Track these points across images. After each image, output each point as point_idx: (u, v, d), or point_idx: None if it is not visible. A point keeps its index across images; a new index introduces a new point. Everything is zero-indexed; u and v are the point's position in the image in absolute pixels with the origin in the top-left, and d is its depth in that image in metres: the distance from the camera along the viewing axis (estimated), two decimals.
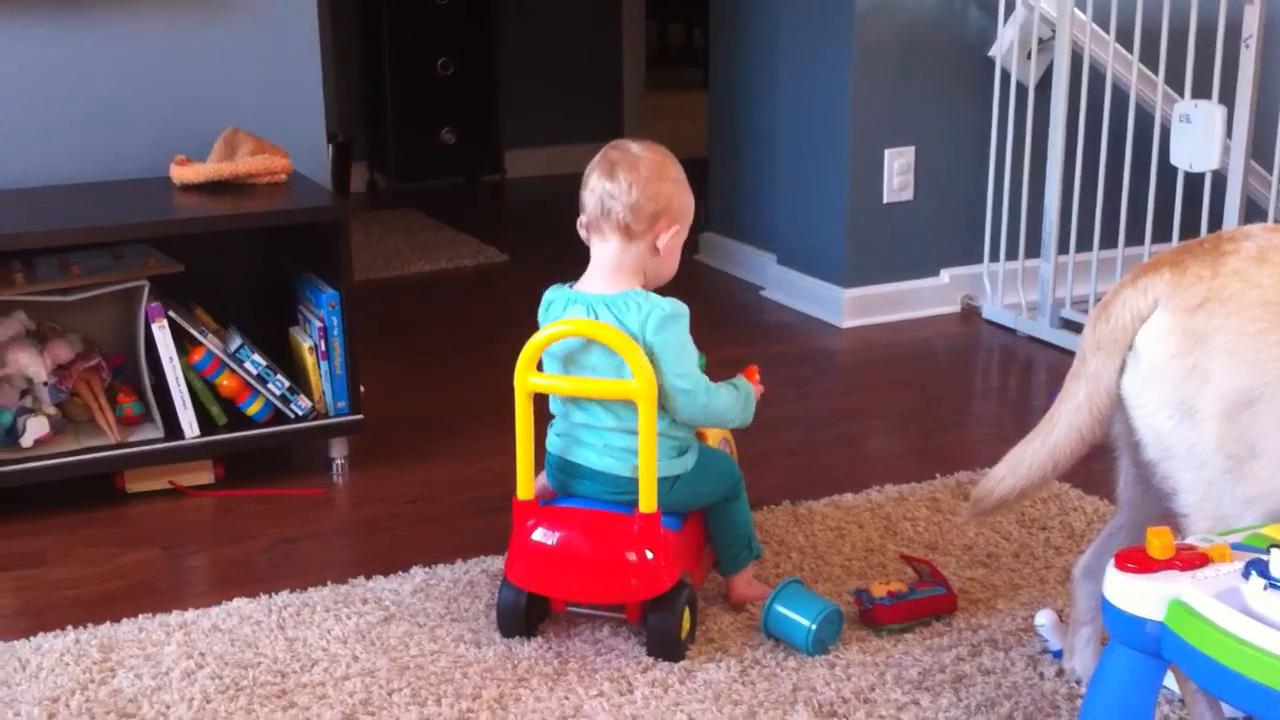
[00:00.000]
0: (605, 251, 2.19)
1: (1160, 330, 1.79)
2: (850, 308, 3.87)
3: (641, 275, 2.20)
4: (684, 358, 2.14)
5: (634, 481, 2.13)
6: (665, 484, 2.16)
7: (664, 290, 2.20)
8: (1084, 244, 3.70)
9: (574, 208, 2.22)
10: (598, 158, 2.20)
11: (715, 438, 2.38)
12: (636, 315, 2.12)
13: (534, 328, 2.18)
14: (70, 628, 2.27)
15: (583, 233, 2.22)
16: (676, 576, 2.15)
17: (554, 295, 2.22)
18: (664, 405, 2.15)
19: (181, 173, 2.90)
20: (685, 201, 2.21)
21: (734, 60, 4.31)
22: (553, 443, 2.25)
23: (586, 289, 2.19)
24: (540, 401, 2.20)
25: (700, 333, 2.20)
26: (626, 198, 2.15)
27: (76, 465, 2.69)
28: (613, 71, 6.13)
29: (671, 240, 2.19)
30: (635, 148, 2.21)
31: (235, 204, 2.81)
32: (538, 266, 4.34)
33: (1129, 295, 1.83)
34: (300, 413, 2.83)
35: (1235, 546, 1.63)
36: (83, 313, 2.84)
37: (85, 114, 2.97)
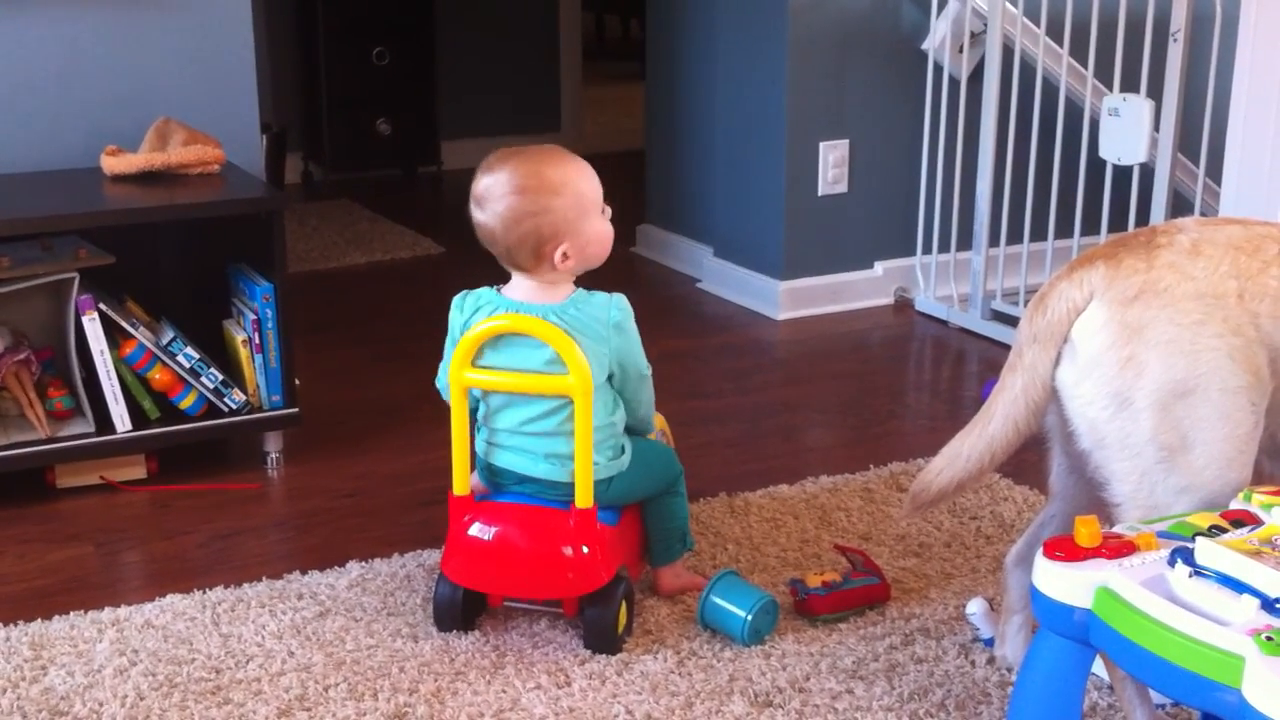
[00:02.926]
0: (520, 276, 2.16)
1: (1096, 322, 1.82)
2: (786, 300, 3.90)
3: (568, 282, 2.17)
4: (642, 351, 2.19)
5: (571, 486, 2.13)
6: (602, 484, 2.16)
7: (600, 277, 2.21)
8: (1015, 237, 3.74)
9: None
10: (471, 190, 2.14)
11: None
12: (596, 319, 2.13)
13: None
14: (0, 625, 2.24)
15: None
16: (613, 571, 2.16)
17: (484, 299, 2.17)
18: (629, 401, 2.20)
19: (112, 163, 2.86)
20: (559, 216, 2.08)
21: (671, 53, 4.31)
22: (480, 447, 2.24)
23: (524, 298, 2.15)
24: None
25: (638, 325, 2.20)
26: (497, 249, 2.13)
27: (6, 460, 2.65)
28: (550, 63, 6.11)
29: (571, 249, 2.10)
30: (486, 181, 2.11)
31: (168, 195, 2.78)
32: (474, 259, 4.31)
33: (1065, 288, 1.85)
34: (234, 406, 2.81)
35: (1161, 535, 1.66)
36: (12, 305, 2.80)
37: (14, 103, 2.92)
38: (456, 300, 2.20)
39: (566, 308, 2.13)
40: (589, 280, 2.20)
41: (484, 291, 2.19)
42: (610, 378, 2.18)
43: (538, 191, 2.09)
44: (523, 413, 2.16)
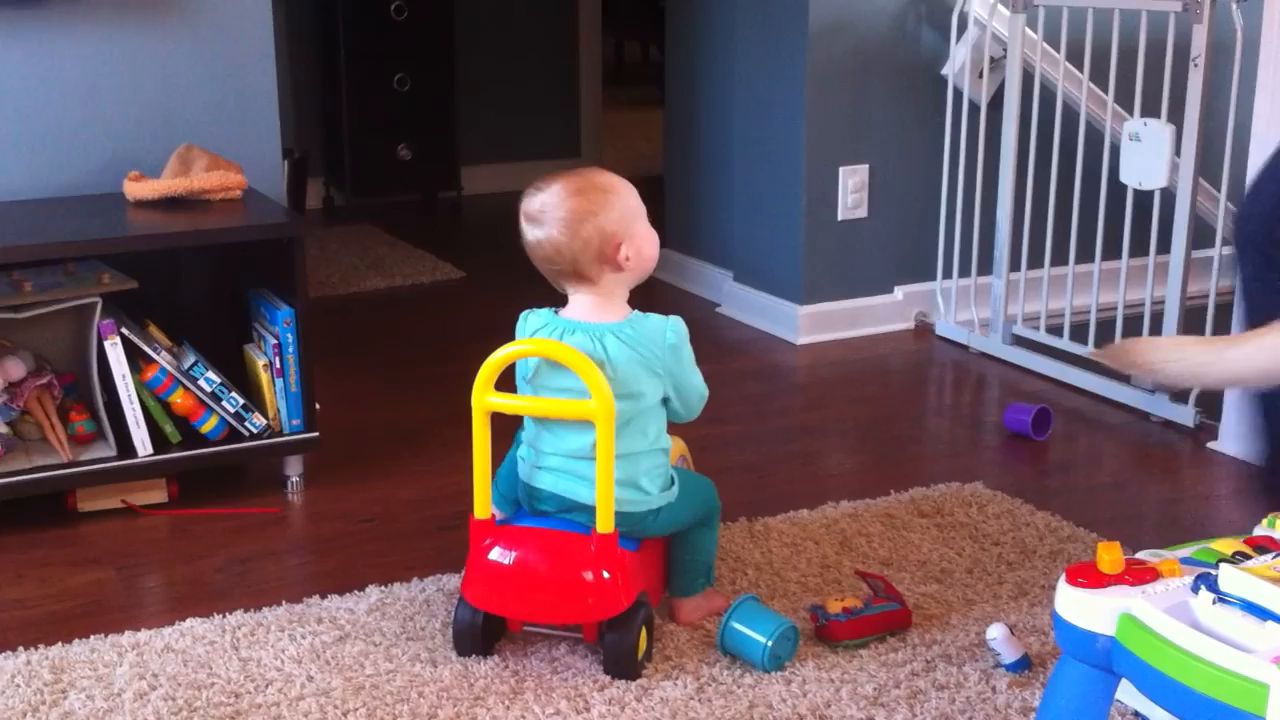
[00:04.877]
0: (581, 293, 2.19)
1: None
2: (806, 324, 3.89)
3: (625, 292, 2.20)
4: (697, 374, 2.22)
5: (621, 514, 2.13)
6: (651, 514, 2.17)
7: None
8: (1035, 261, 3.73)
9: None
10: (521, 214, 2.17)
11: (673, 455, 2.38)
12: (652, 340, 2.14)
13: (491, 345, 2.17)
14: (21, 649, 2.25)
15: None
16: (634, 596, 2.15)
17: (541, 321, 2.19)
18: (679, 412, 2.21)
19: (135, 189, 2.88)
20: (615, 218, 2.14)
21: (690, 78, 4.33)
22: (523, 470, 2.24)
23: (582, 317, 2.17)
24: (498, 421, 2.20)
25: None
26: (563, 261, 2.15)
27: (28, 484, 2.66)
28: (570, 88, 6.14)
29: (630, 249, 2.15)
30: (540, 198, 2.15)
31: (190, 220, 2.79)
32: (494, 284, 4.34)
33: None
34: (255, 431, 2.82)
35: (1185, 561, 1.65)
36: (34, 330, 2.82)
37: (38, 130, 2.95)
38: (520, 318, 2.24)
39: (623, 327, 2.15)
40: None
41: (545, 312, 2.21)
42: (665, 400, 2.19)
43: (593, 191, 2.15)
44: (573, 439, 2.16)
